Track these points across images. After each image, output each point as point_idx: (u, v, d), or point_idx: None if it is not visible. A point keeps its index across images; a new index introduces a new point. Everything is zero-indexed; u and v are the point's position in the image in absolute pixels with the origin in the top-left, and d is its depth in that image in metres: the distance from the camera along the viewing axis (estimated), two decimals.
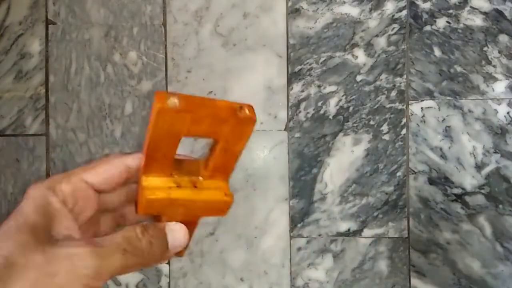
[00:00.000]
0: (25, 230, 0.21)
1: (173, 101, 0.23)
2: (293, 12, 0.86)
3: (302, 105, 0.85)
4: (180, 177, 0.27)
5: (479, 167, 0.82)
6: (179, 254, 0.29)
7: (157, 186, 0.26)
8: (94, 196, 0.26)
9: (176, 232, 0.27)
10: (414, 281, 0.83)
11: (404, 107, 0.84)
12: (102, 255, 0.22)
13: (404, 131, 0.84)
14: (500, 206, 0.82)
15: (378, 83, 0.84)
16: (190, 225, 0.28)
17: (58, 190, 0.24)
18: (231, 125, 0.25)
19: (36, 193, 0.23)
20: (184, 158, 0.28)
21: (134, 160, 0.26)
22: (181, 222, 0.27)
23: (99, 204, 0.27)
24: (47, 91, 0.88)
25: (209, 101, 0.25)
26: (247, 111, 0.25)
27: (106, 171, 0.26)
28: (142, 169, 0.26)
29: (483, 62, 0.83)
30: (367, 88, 0.84)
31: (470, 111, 0.83)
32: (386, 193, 0.84)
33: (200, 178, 0.28)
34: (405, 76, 0.84)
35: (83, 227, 0.26)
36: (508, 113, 0.82)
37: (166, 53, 0.87)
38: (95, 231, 0.28)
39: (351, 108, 0.84)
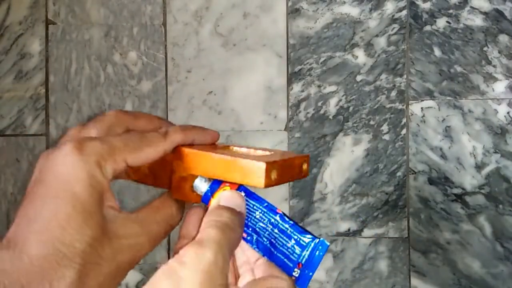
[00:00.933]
0: (90, 222, 0.22)
1: (274, 176, 0.25)
2: (293, 12, 0.86)
3: (302, 105, 0.85)
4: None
5: (479, 167, 0.82)
6: None
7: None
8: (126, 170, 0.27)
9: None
10: (414, 281, 0.83)
11: (404, 107, 0.84)
12: (153, 244, 0.25)
13: (404, 131, 0.84)
14: (500, 206, 0.82)
15: (378, 83, 0.84)
16: None
17: (104, 169, 0.23)
18: (294, 178, 0.27)
19: (84, 168, 0.22)
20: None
21: (172, 145, 0.27)
22: None
23: None
24: (47, 91, 0.88)
25: (291, 162, 0.26)
26: (306, 166, 0.27)
27: (147, 155, 0.25)
28: (194, 170, 0.27)
29: (483, 62, 0.83)
30: (367, 88, 0.84)
31: (470, 111, 0.83)
32: (386, 193, 0.84)
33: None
34: (405, 76, 0.84)
35: None
36: (508, 113, 0.82)
37: (166, 53, 0.87)
38: None
39: (351, 108, 0.84)
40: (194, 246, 0.20)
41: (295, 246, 0.24)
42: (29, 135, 0.87)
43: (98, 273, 0.22)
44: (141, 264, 0.85)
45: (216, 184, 0.26)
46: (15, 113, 0.88)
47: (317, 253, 0.24)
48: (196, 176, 0.27)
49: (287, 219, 0.25)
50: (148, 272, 0.85)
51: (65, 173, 0.22)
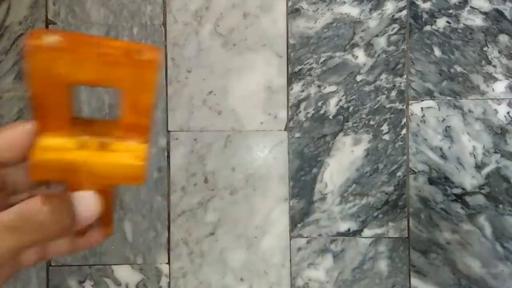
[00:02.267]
0: None
1: (51, 39, 0.20)
2: (293, 12, 0.86)
3: (302, 105, 0.85)
4: (87, 139, 0.23)
5: (479, 167, 0.82)
6: (105, 233, 0.26)
7: (52, 146, 0.22)
8: None
9: (84, 201, 0.23)
10: (414, 281, 0.83)
11: (404, 107, 0.84)
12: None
13: (404, 131, 0.84)
14: (500, 206, 0.82)
15: (378, 83, 0.84)
16: (104, 196, 0.24)
17: None
18: (127, 70, 0.22)
19: None
20: (96, 119, 0.24)
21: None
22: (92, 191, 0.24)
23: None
24: None
25: (98, 40, 0.21)
26: (146, 53, 0.22)
27: (7, 136, 0.22)
28: (37, 128, 0.22)
29: (483, 62, 0.83)
30: (367, 88, 0.84)
31: (470, 111, 0.83)
32: (386, 193, 0.84)
33: (112, 139, 0.23)
34: (405, 76, 0.84)
35: None
36: (508, 113, 0.82)
37: (166, 53, 0.87)
38: None
39: (351, 108, 0.84)
40: None
41: None
42: None
43: None
44: (141, 264, 0.85)
45: None
46: (15, 113, 0.88)
47: None
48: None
49: None
50: (148, 272, 0.85)
51: None
